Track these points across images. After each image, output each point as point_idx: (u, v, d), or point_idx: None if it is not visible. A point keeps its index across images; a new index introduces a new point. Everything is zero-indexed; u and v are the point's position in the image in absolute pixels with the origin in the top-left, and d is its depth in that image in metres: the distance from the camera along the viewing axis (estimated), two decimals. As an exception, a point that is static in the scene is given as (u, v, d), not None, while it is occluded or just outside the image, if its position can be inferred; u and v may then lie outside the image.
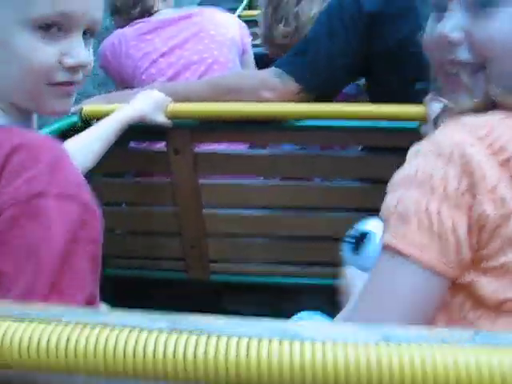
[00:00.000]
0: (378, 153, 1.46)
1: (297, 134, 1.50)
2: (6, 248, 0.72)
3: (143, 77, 1.90)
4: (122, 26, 2.03)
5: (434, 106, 1.08)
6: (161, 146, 1.59)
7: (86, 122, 1.48)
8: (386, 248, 0.72)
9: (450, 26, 0.78)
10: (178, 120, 1.46)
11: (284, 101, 1.43)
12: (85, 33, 0.86)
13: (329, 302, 1.88)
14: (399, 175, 0.75)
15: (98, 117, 1.45)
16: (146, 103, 1.44)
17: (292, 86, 1.42)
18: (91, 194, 0.80)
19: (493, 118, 0.75)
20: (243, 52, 2.02)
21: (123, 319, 0.48)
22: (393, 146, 1.29)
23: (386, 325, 0.48)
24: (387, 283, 0.72)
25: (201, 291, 1.76)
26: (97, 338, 0.45)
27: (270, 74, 1.45)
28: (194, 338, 0.45)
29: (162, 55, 1.92)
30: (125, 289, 1.81)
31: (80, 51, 0.83)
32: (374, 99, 1.47)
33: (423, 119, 1.18)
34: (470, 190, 0.69)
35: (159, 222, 1.67)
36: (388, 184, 0.76)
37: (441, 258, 0.69)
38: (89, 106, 1.49)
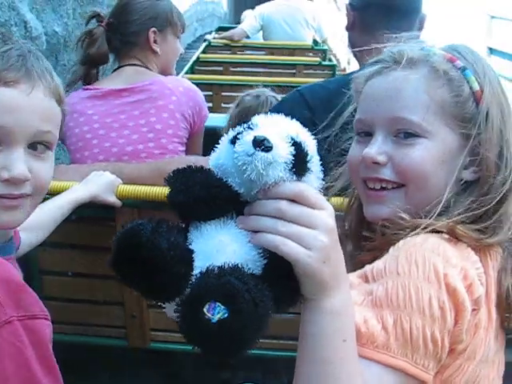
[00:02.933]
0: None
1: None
2: None
3: (77, 155, 1.90)
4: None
5: None
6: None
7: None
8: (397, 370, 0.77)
9: (376, 150, 0.95)
10: (126, 200, 1.57)
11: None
12: (34, 147, 0.89)
13: (267, 372, 1.98)
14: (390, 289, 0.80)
15: (52, 192, 1.52)
16: (99, 184, 1.54)
17: None
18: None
19: None
20: (190, 137, 2.00)
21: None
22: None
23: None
24: None
25: (140, 358, 1.84)
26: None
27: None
28: None
29: (97, 137, 1.88)
30: (68, 353, 1.88)
31: (17, 165, 0.85)
32: None
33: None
34: None
35: (103, 291, 1.76)
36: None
37: None
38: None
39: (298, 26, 5.46)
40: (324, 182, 0.77)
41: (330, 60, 4.66)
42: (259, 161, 0.68)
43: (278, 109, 1.69)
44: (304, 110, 1.57)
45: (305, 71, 4.14)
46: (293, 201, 0.70)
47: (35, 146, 0.89)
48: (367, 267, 0.86)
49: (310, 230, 0.70)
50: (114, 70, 2.07)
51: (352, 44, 1.82)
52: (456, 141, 0.93)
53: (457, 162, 0.93)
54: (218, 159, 0.73)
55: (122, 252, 0.71)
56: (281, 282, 0.71)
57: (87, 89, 1.96)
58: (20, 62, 0.88)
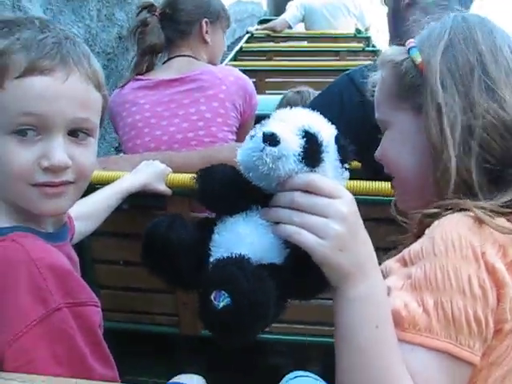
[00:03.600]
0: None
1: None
2: None
3: (129, 144, 1.92)
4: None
5: None
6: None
7: (91, 185, 1.60)
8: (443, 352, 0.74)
9: (378, 148, 1.04)
10: (176, 188, 1.59)
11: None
12: (75, 134, 0.89)
13: (315, 360, 1.97)
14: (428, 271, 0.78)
15: (102, 182, 1.56)
16: (148, 173, 1.56)
17: None
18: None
19: None
20: (241, 126, 1.98)
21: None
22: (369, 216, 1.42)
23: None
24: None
25: (192, 346, 1.85)
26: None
27: None
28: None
29: (148, 125, 1.90)
30: (120, 341, 1.92)
31: (56, 153, 0.85)
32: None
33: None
34: None
35: (155, 280, 1.77)
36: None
37: None
38: (95, 172, 1.61)
39: (339, 14, 5.42)
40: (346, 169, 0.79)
41: (373, 46, 4.60)
42: (268, 155, 0.71)
43: (327, 93, 1.67)
44: (353, 93, 1.55)
45: (348, 58, 4.10)
46: (309, 191, 0.73)
47: (76, 133, 0.89)
48: (405, 251, 0.85)
49: (323, 219, 0.73)
50: (165, 62, 2.08)
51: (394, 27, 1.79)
52: (412, 119, 0.95)
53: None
54: (240, 155, 0.77)
55: (145, 246, 0.81)
56: (302, 271, 0.75)
57: (139, 79, 1.99)
58: (55, 49, 0.88)
